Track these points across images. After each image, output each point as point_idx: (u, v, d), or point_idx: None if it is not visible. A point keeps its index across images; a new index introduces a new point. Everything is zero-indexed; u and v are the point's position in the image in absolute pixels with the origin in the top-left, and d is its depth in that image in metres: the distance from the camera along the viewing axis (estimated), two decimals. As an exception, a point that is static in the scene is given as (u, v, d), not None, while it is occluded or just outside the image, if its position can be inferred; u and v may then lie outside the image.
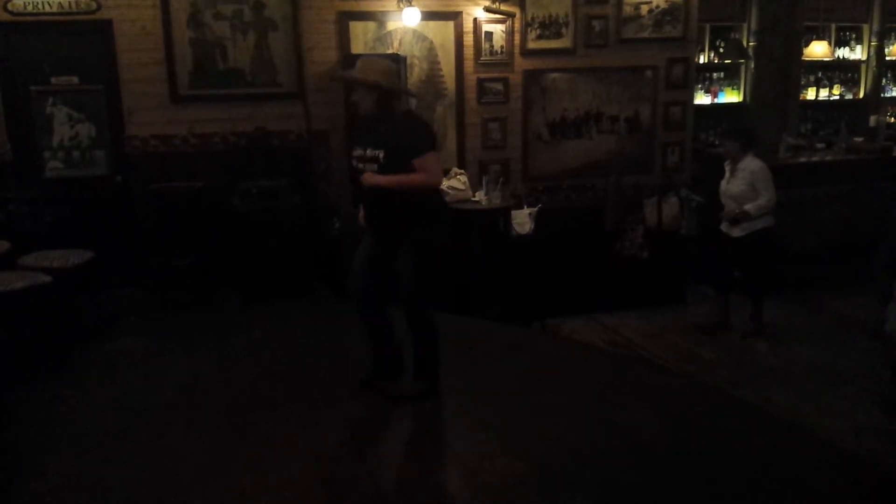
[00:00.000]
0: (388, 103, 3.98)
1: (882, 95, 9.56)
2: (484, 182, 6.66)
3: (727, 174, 6.29)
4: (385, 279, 4.15)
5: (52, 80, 6.13)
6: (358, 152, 4.06)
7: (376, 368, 4.32)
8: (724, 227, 6.34)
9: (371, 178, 3.94)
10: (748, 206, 6.06)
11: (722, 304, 6.63)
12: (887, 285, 4.89)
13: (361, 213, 4.24)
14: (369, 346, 4.31)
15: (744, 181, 6.12)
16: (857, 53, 9.44)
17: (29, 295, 4.66)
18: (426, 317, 4.13)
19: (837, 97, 9.41)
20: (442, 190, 4.12)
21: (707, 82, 8.76)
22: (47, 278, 4.78)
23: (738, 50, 8.67)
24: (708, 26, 8.58)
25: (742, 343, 6.39)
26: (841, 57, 9.39)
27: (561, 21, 7.14)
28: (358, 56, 6.40)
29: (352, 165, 4.20)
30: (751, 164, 6.11)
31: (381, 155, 3.91)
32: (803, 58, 8.91)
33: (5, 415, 4.22)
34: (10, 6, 5.89)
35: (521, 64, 7.12)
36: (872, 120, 9.07)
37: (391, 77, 4.01)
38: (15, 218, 5.65)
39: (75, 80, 6.17)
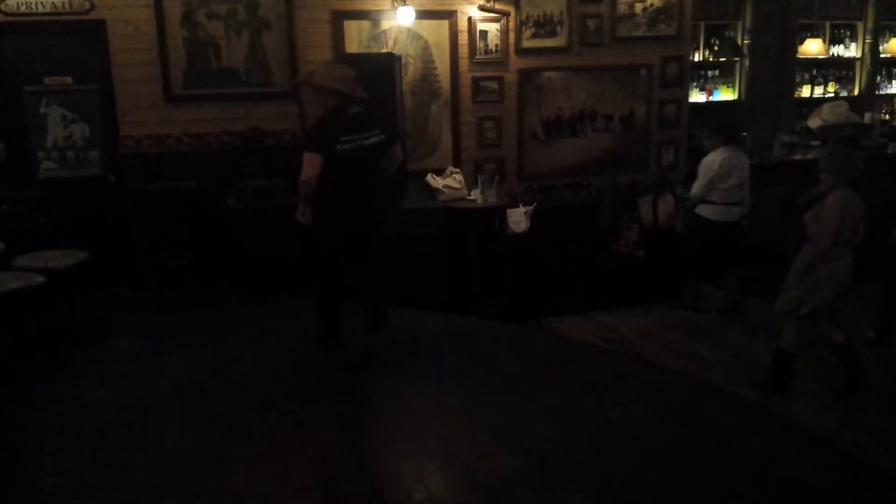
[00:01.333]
0: (345, 107, 4.64)
1: (877, 93, 9.57)
2: (479, 181, 6.65)
3: None
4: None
5: (46, 80, 6.11)
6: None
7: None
8: None
9: None
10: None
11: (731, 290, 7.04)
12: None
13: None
14: None
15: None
16: (852, 51, 9.45)
17: (23, 295, 4.65)
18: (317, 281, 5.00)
19: (832, 95, 9.40)
20: (310, 185, 4.64)
21: (702, 80, 8.76)
22: (41, 279, 4.77)
23: (732, 48, 8.67)
24: (702, 24, 8.58)
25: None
26: (835, 54, 9.39)
27: (555, 20, 7.13)
28: (354, 55, 6.45)
29: None
30: (708, 157, 6.70)
31: None
32: (798, 55, 8.92)
33: (1, 415, 4.20)
34: (2, 6, 5.87)
35: (515, 63, 7.12)
36: (867, 117, 9.07)
37: (349, 84, 4.63)
38: (9, 218, 5.62)
39: (69, 80, 6.15)
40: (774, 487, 3.46)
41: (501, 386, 4.53)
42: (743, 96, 8.78)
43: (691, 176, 7.77)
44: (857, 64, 9.47)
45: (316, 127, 4.88)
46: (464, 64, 6.96)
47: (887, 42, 9.54)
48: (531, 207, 6.93)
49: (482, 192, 6.56)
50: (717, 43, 8.73)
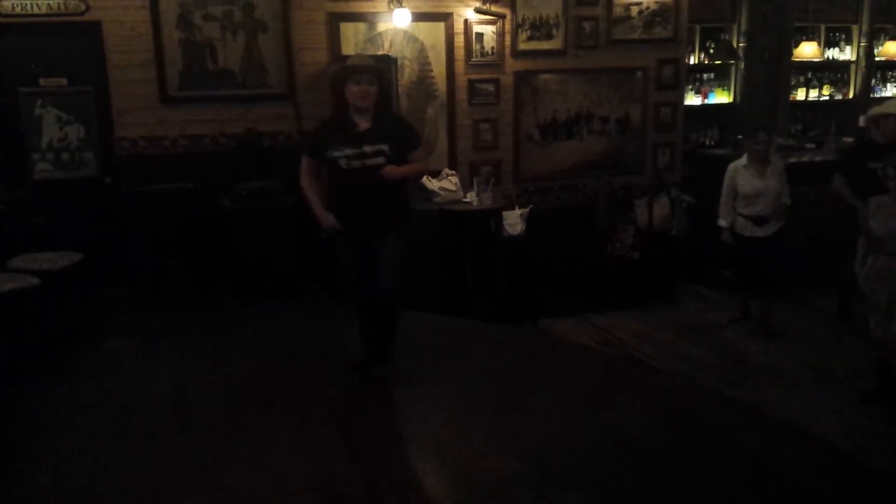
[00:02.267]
0: (385, 99, 4.41)
1: (871, 96, 9.58)
2: (475, 183, 6.65)
3: (751, 173, 6.26)
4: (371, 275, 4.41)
5: (41, 81, 6.09)
6: (346, 151, 4.20)
7: (369, 355, 4.57)
8: (744, 228, 6.37)
9: (394, 170, 4.19)
10: (787, 202, 6.31)
11: (744, 300, 6.85)
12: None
13: (332, 219, 4.34)
14: (365, 335, 4.59)
15: (777, 178, 6.26)
16: (847, 54, 9.47)
17: (18, 297, 4.63)
18: (401, 300, 4.48)
19: (827, 98, 9.43)
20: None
21: (697, 83, 8.77)
22: (36, 280, 4.76)
23: (728, 51, 8.69)
24: (698, 27, 8.59)
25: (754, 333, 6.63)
26: (830, 57, 9.41)
27: (551, 22, 7.15)
28: (347, 57, 6.43)
29: (340, 165, 4.26)
30: (779, 161, 6.39)
31: (388, 148, 4.18)
32: (793, 58, 8.93)
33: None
34: (-2, 8, 5.86)
35: (511, 65, 7.12)
36: (862, 120, 9.08)
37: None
38: (4, 220, 5.61)
39: (64, 81, 6.13)
40: (770, 489, 3.46)
41: (497, 387, 4.53)
42: (738, 99, 8.79)
43: (687, 178, 7.81)
44: (852, 67, 9.49)
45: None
46: (460, 66, 6.97)
47: (882, 45, 9.56)
48: (527, 210, 6.93)
49: (478, 195, 6.56)
50: (712, 46, 8.75)
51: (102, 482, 3.53)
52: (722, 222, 6.45)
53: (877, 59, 9.53)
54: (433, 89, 6.96)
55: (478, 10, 6.87)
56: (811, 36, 9.08)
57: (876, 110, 6.59)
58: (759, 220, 6.28)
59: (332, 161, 4.23)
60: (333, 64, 5.88)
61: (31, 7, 5.92)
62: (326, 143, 4.28)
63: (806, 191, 7.41)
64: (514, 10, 7.00)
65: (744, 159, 6.34)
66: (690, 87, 8.59)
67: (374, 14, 6.62)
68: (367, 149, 4.17)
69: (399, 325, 4.56)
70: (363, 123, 4.24)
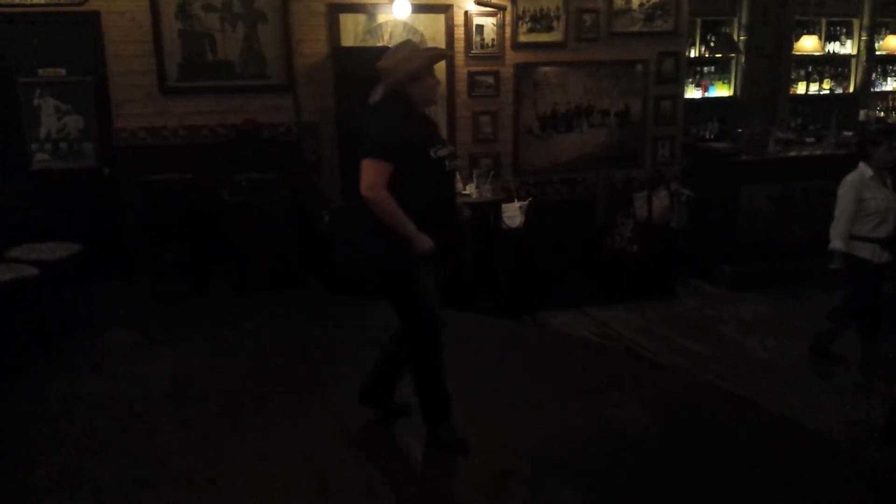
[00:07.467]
0: None
1: (872, 90, 9.59)
2: (475, 175, 6.65)
3: (876, 185, 5.17)
4: None
5: (40, 71, 6.08)
6: (444, 151, 3.51)
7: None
8: (880, 255, 5.22)
9: None
10: None
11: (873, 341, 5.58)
12: None
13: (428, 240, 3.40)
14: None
15: None
16: (848, 48, 9.47)
17: (15, 287, 4.63)
18: None
19: (827, 91, 9.43)
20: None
21: (698, 76, 8.77)
22: (34, 271, 4.76)
23: (728, 44, 8.68)
24: (699, 20, 8.58)
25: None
26: (831, 51, 9.41)
27: (552, 14, 7.13)
28: (350, 49, 6.43)
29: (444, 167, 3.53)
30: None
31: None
32: (794, 52, 8.93)
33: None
34: (-4, -3, 5.85)
35: (512, 57, 7.11)
36: (862, 114, 9.10)
37: None
38: (2, 210, 5.60)
39: (63, 71, 6.12)
40: (766, 483, 3.48)
41: (494, 381, 4.53)
42: (738, 92, 8.79)
43: (686, 172, 7.82)
44: (853, 61, 9.49)
45: None
46: (460, 58, 6.95)
47: (883, 39, 9.55)
48: (526, 202, 6.93)
49: (477, 187, 6.56)
50: (713, 39, 8.74)
51: (100, 473, 3.54)
52: (839, 245, 5.24)
53: (877, 53, 9.54)
54: (433, 81, 6.93)
55: (478, 2, 6.85)
56: (812, 30, 9.08)
57: None
58: (888, 243, 5.16)
59: (434, 163, 3.45)
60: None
61: (31, -4, 5.91)
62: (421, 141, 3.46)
63: (805, 185, 7.42)
64: (514, 2, 6.98)
65: (866, 169, 5.17)
66: (691, 80, 8.60)
67: (374, 5, 6.60)
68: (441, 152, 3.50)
69: None
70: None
